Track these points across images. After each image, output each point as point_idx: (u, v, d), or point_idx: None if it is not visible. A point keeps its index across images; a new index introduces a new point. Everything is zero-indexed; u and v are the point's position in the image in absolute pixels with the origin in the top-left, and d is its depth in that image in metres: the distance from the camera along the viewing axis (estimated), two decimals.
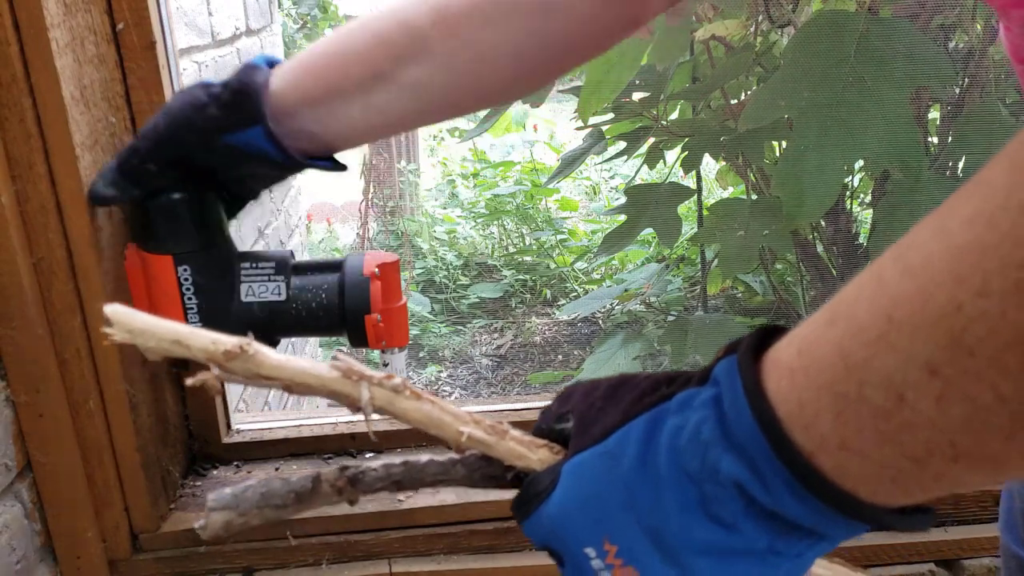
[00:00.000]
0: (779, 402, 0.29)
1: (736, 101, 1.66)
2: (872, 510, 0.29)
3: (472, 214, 4.10)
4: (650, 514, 0.33)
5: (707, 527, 0.31)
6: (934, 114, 1.53)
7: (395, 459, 0.40)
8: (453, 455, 0.40)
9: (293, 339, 1.91)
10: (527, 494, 0.37)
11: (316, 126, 0.59)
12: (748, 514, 0.31)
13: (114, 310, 0.36)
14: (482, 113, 1.85)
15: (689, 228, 2.41)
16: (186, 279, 0.71)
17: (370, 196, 3.02)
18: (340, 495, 0.39)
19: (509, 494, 0.39)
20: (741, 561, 0.32)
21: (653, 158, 1.80)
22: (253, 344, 0.36)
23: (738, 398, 0.30)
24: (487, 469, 0.40)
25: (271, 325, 0.74)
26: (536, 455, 0.38)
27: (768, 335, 0.32)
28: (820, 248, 1.74)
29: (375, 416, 0.37)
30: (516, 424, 0.97)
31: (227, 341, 0.36)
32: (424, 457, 0.40)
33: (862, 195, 1.83)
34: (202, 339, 0.36)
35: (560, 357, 3.04)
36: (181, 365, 0.76)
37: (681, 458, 0.32)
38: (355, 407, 0.38)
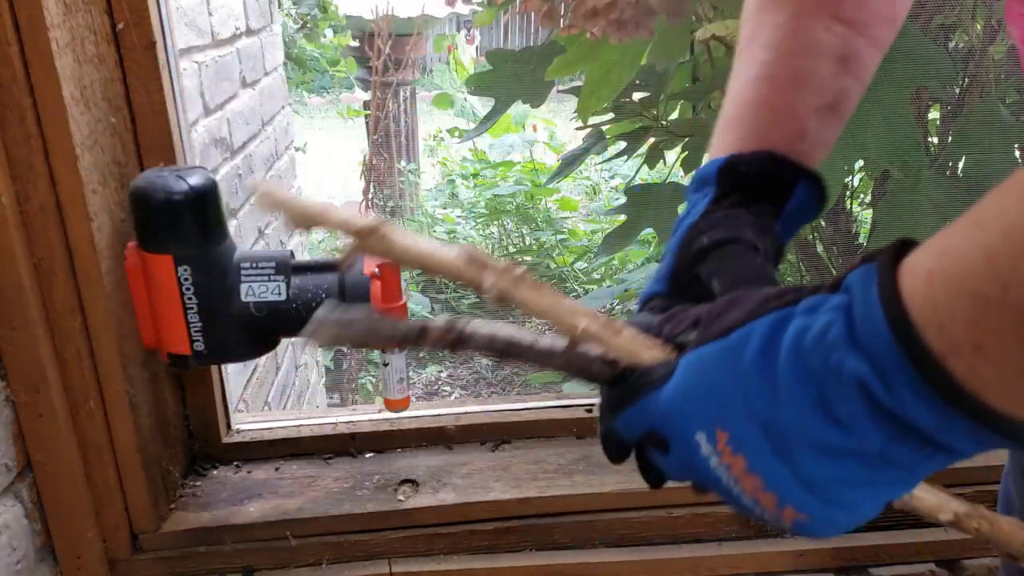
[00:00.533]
0: (913, 303, 0.29)
1: None
2: (1001, 420, 0.28)
3: (472, 214, 4.10)
4: (766, 408, 0.33)
5: (822, 424, 0.32)
6: (934, 114, 1.53)
7: (500, 332, 0.40)
8: (556, 345, 0.40)
9: (293, 339, 1.91)
10: (637, 383, 0.38)
11: None
12: (867, 414, 0.31)
13: (261, 186, 0.40)
14: (482, 113, 1.85)
15: None
16: (186, 279, 0.71)
17: (370, 196, 3.02)
18: (446, 344, 0.40)
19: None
20: (850, 462, 0.32)
21: (653, 158, 1.80)
22: (385, 225, 0.39)
23: (870, 300, 0.30)
24: (587, 366, 0.40)
25: (271, 325, 0.74)
26: (649, 353, 0.39)
27: (908, 246, 0.31)
28: (820, 248, 1.74)
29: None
30: (517, 425, 0.97)
31: (361, 222, 0.39)
32: (528, 338, 0.40)
33: (862, 195, 1.83)
34: (338, 217, 0.39)
35: None
36: (181, 364, 0.76)
37: (803, 357, 0.32)
38: (480, 291, 0.39)
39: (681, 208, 0.53)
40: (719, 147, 0.52)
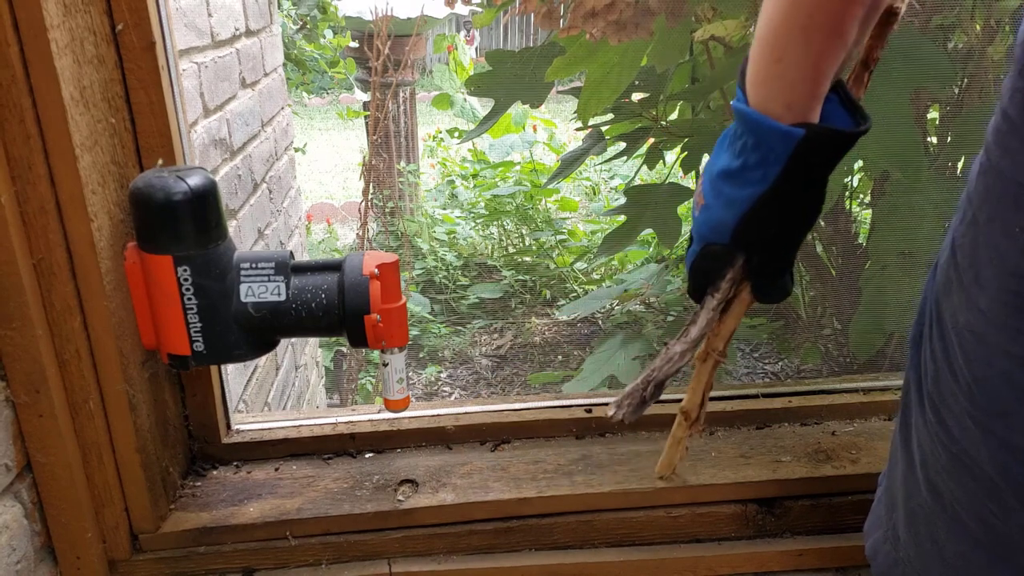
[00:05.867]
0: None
1: None
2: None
3: (472, 215, 4.10)
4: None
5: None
6: (933, 114, 1.53)
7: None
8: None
9: (293, 339, 1.91)
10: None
11: None
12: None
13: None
14: (482, 114, 1.85)
15: (689, 228, 2.41)
16: (186, 279, 0.71)
17: (370, 197, 3.01)
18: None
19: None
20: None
21: (653, 158, 1.80)
22: None
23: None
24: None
25: (271, 325, 0.74)
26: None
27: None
28: (819, 248, 1.74)
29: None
30: (517, 425, 0.97)
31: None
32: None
33: (861, 195, 1.83)
34: None
35: (560, 357, 3.04)
36: (180, 365, 0.76)
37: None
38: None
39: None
40: (776, 84, 0.57)
